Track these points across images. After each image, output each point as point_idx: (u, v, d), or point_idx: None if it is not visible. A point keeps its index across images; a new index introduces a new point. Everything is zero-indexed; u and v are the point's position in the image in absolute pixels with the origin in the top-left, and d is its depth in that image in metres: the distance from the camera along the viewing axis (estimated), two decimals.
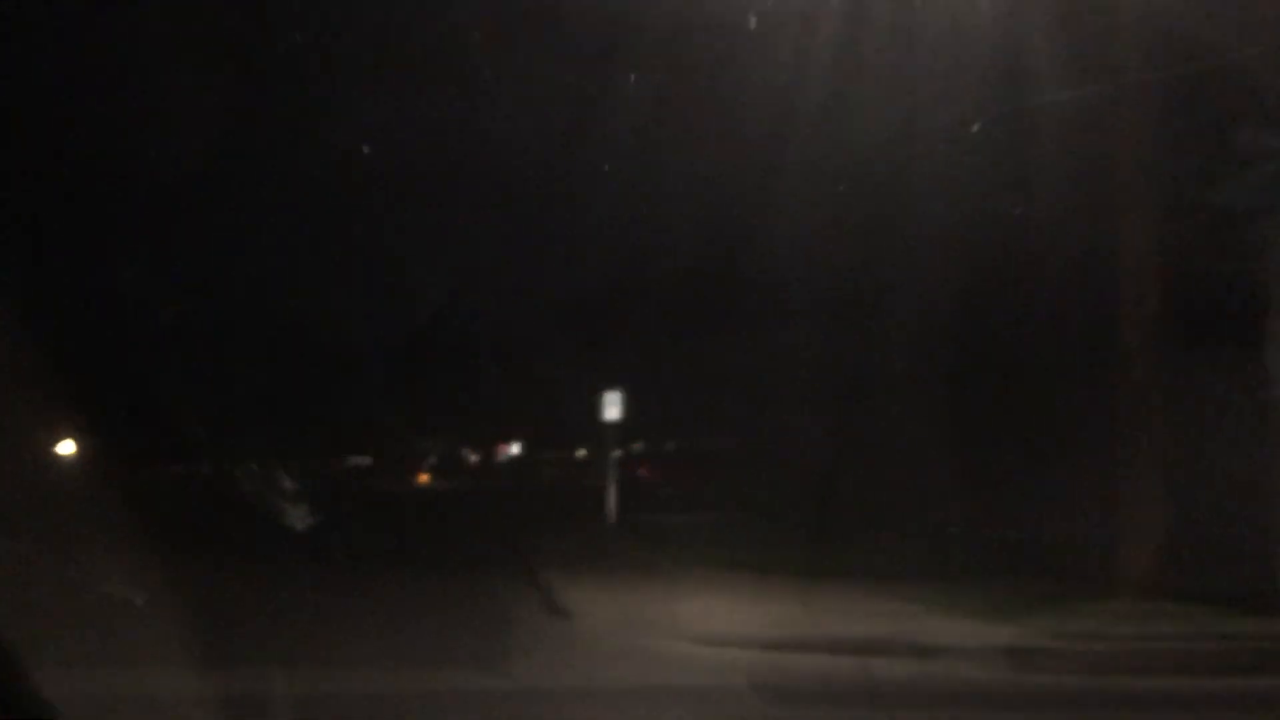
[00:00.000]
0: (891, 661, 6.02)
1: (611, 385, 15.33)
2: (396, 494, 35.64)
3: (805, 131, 10.29)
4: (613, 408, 15.07)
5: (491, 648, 6.26)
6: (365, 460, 53.16)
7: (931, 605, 7.47)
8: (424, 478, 50.85)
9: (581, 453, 38.50)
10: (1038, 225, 9.37)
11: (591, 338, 20.32)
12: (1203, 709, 5.43)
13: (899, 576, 8.76)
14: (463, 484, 44.84)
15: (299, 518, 10.65)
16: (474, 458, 53.54)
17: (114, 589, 6.40)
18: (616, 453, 15.86)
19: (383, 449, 50.75)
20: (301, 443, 41.46)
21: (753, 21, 8.48)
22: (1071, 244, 8.93)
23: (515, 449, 42.21)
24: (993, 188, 9.69)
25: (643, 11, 9.86)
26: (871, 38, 8.43)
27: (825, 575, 8.83)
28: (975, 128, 8.73)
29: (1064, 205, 8.72)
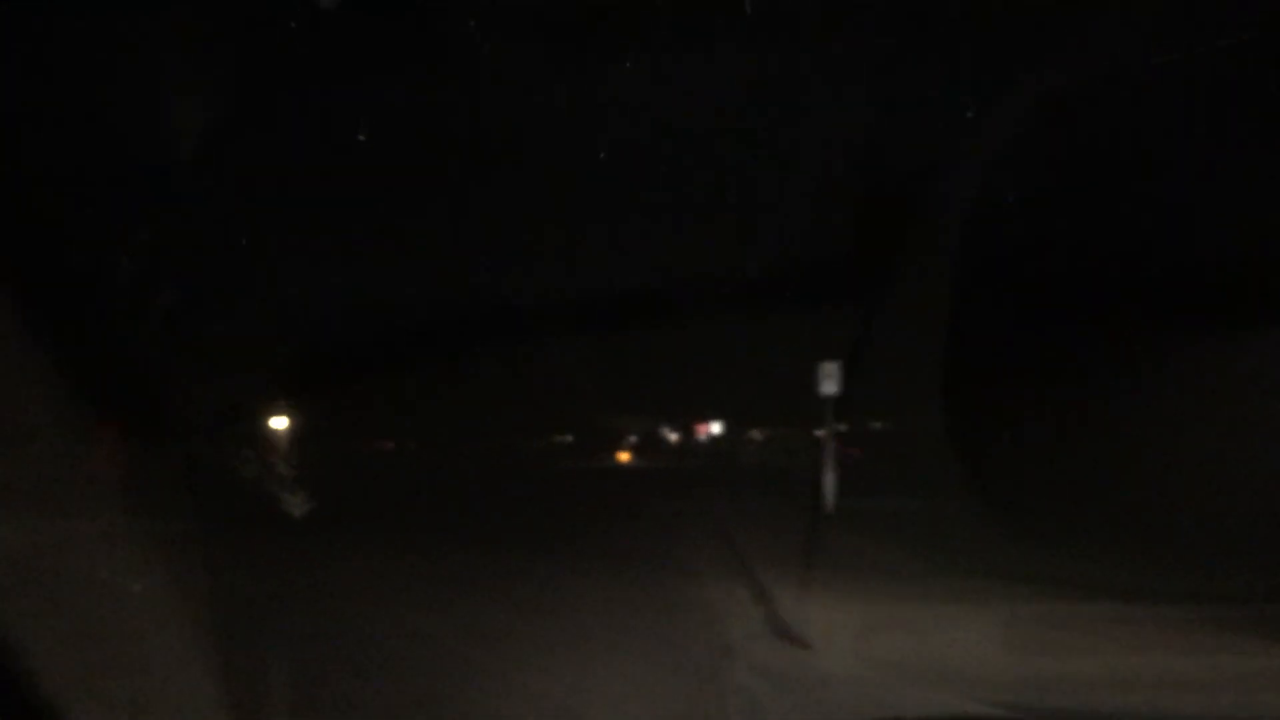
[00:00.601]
0: None
1: (827, 357, 13.46)
2: (596, 470, 35.14)
3: None
4: (830, 381, 13.22)
5: (703, 703, 4.66)
6: (567, 438, 53.86)
7: None
8: (624, 456, 50.69)
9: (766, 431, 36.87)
10: None
11: (803, 307, 18.35)
12: None
13: (1215, 596, 6.47)
14: (663, 462, 44.14)
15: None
16: (673, 437, 52.94)
17: None
18: (830, 432, 13.97)
19: (584, 427, 51.12)
20: (506, 420, 42.28)
21: None
22: None
23: (716, 428, 40.66)
24: None
25: None
26: None
27: (1120, 591, 6.64)
28: None
29: None
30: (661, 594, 7.31)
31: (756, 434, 38.59)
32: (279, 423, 24.20)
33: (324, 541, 10.58)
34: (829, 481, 13.40)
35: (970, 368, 13.96)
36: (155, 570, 6.48)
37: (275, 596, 7.19)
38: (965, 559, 8.38)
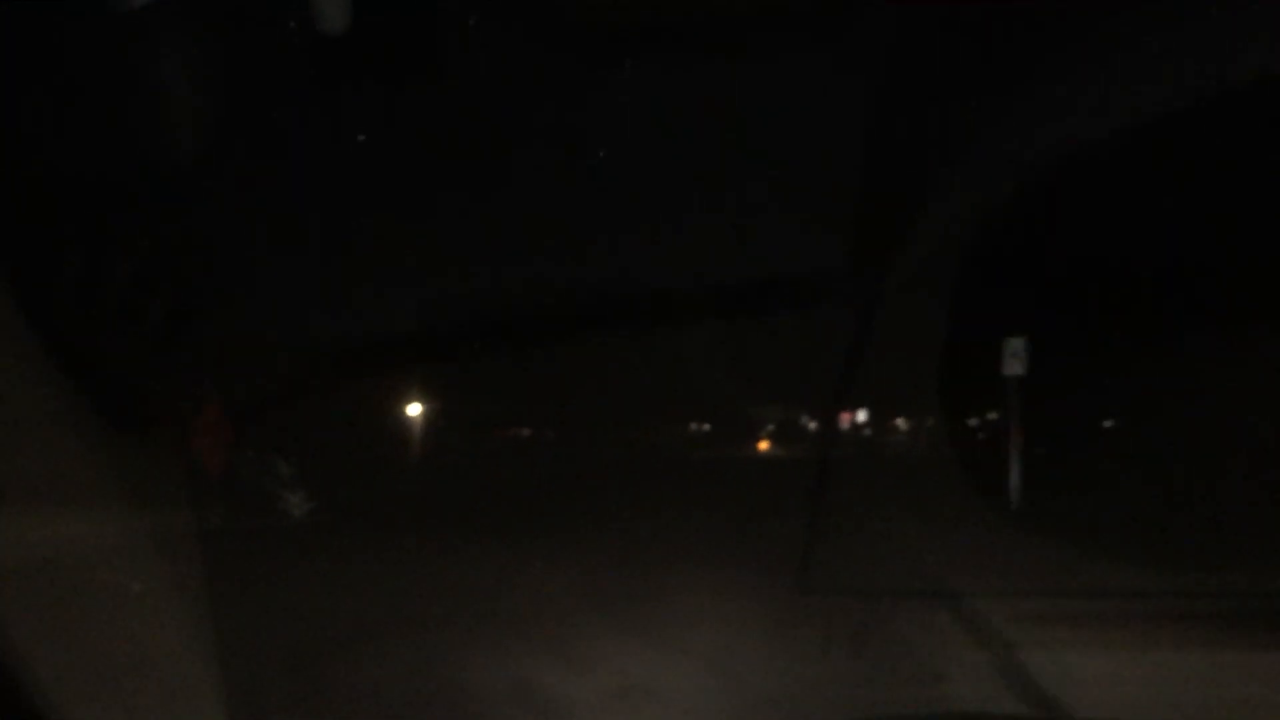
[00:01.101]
0: None
1: (1010, 332, 11.72)
2: (737, 460, 33.75)
3: None
4: (1016, 360, 11.46)
5: None
6: (705, 427, 52.60)
7: None
8: (764, 444, 49.07)
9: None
10: None
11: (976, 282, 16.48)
12: None
13: None
14: (803, 451, 42.33)
15: (296, 504, 8.73)
16: (812, 425, 50.95)
17: None
18: (1016, 418, 12.18)
19: (722, 415, 49.77)
20: (644, 408, 41.40)
21: None
22: None
23: (861, 415, 38.48)
24: None
25: None
26: None
27: None
28: None
29: None
30: (843, 621, 5.84)
31: (901, 422, 36.33)
32: (413, 410, 23.79)
33: (444, 545, 9.65)
34: (1015, 476, 11.64)
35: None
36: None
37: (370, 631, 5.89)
38: (1219, 578, 6.65)
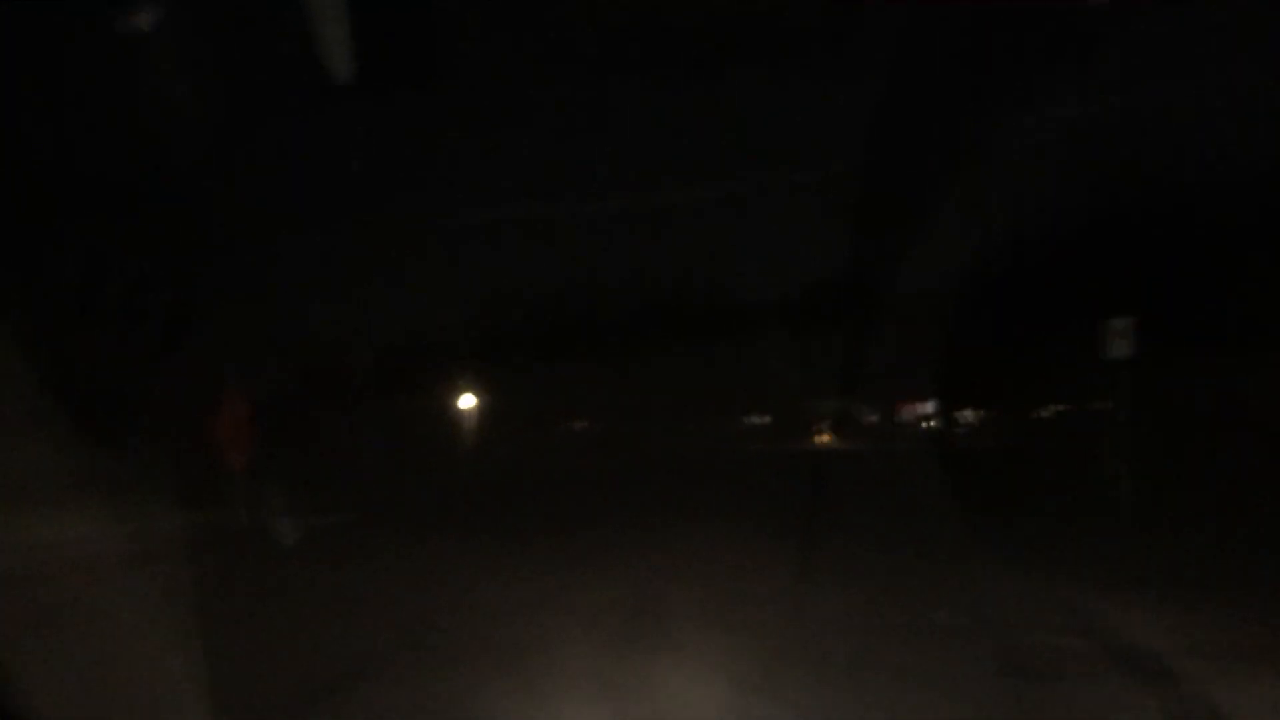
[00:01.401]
0: None
1: (1115, 312, 10.43)
2: (798, 454, 32.37)
3: None
4: (1122, 342, 10.14)
5: None
6: (764, 419, 51.07)
7: None
8: (824, 438, 47.44)
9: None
10: None
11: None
12: None
13: None
14: (865, 443, 40.71)
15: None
16: (871, 417, 49.16)
17: None
18: (1125, 406, 10.85)
19: (781, 408, 48.31)
20: (704, 401, 40.21)
21: None
22: None
23: (928, 407, 36.82)
24: None
25: None
26: None
27: None
28: None
29: None
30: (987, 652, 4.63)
31: (969, 414, 34.59)
32: (467, 401, 23.10)
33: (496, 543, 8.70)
34: (1120, 473, 10.30)
35: None
36: None
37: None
38: None
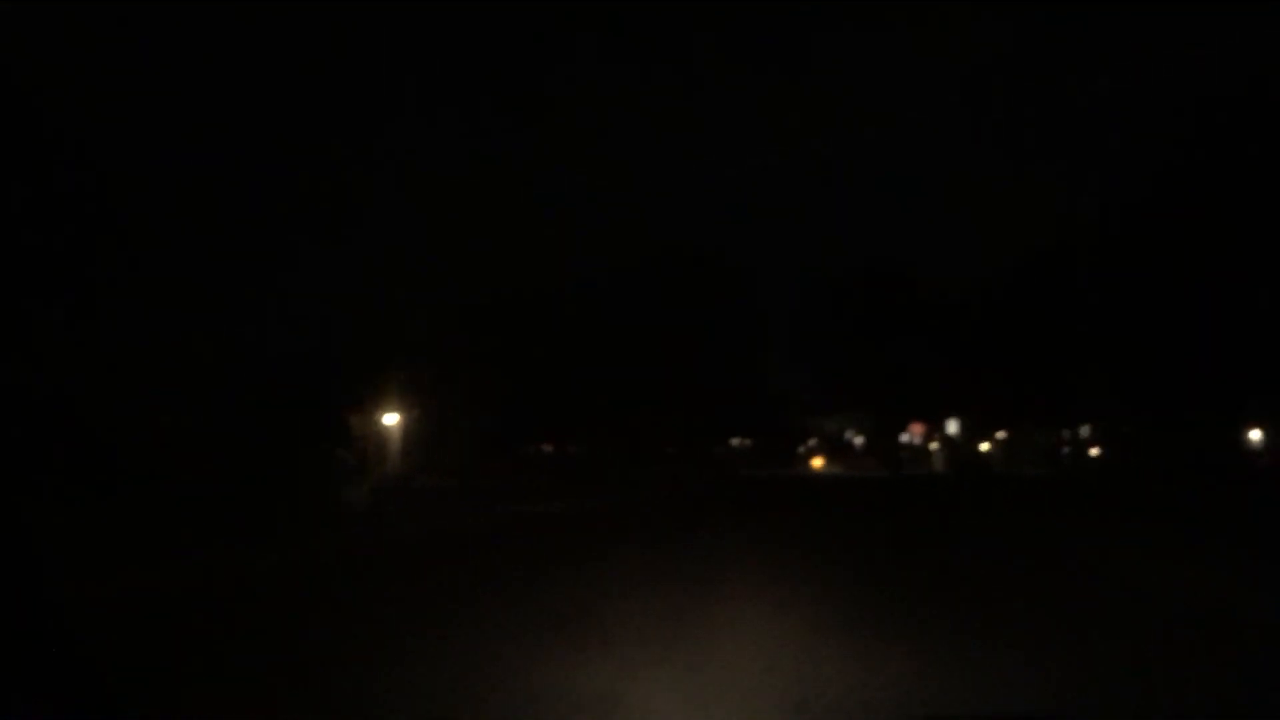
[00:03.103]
0: None
1: None
2: (791, 482, 27.87)
3: None
4: None
5: None
6: (746, 441, 46.43)
7: None
8: (818, 462, 42.91)
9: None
10: None
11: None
12: None
13: None
14: (869, 469, 36.32)
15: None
16: (858, 440, 44.86)
17: None
18: None
19: (767, 427, 43.51)
20: (677, 425, 35.42)
21: None
22: None
23: (952, 427, 32.42)
24: None
25: None
26: None
27: None
28: None
29: None
30: None
31: (1001, 435, 30.21)
32: (389, 418, 18.60)
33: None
34: None
35: None
36: None
37: None
38: None
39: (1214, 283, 18.58)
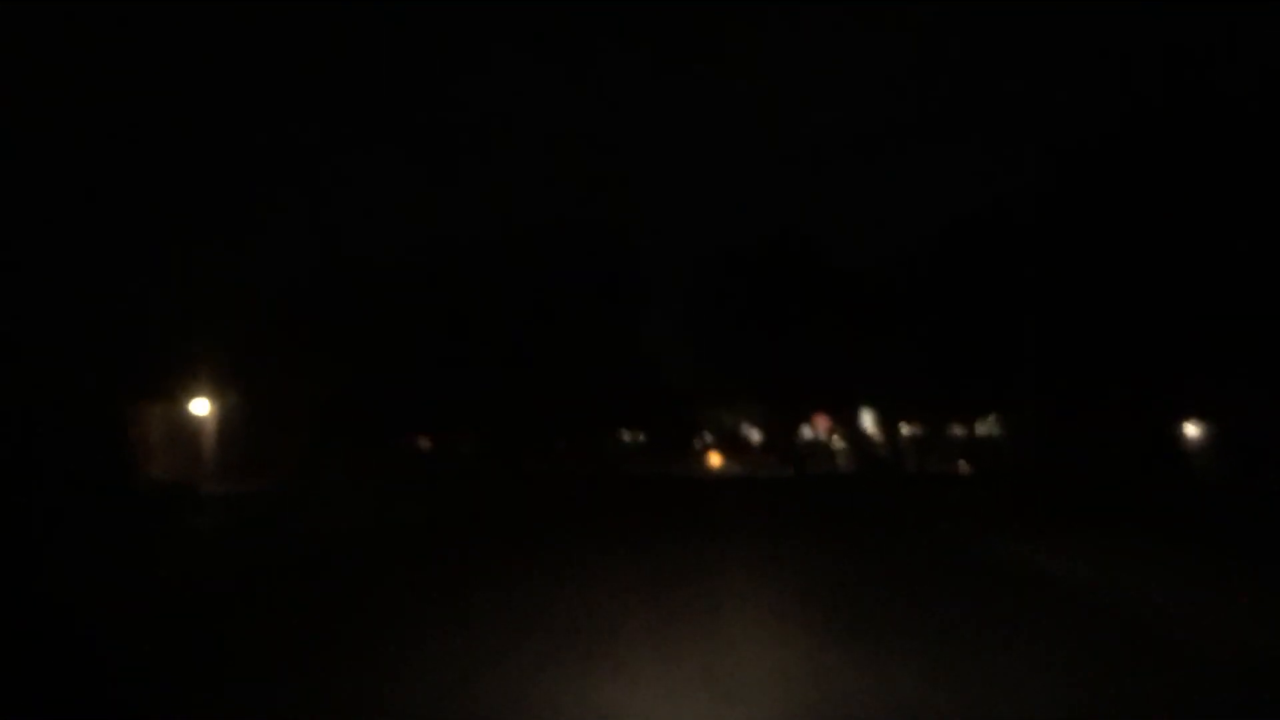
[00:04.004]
0: None
1: None
2: (685, 483, 25.30)
3: None
4: None
5: None
6: (640, 436, 43.58)
7: None
8: (716, 460, 40.39)
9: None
10: None
11: None
12: None
13: None
14: (766, 469, 33.92)
15: None
16: (754, 436, 42.50)
17: None
18: None
19: (658, 423, 40.59)
20: (559, 417, 32.19)
21: None
22: None
23: (866, 422, 30.03)
24: None
25: None
26: None
27: None
28: None
29: None
30: None
31: (913, 428, 28.00)
32: (199, 406, 14.95)
33: None
34: None
35: None
36: None
37: None
38: None
39: (1155, 257, 16.82)
